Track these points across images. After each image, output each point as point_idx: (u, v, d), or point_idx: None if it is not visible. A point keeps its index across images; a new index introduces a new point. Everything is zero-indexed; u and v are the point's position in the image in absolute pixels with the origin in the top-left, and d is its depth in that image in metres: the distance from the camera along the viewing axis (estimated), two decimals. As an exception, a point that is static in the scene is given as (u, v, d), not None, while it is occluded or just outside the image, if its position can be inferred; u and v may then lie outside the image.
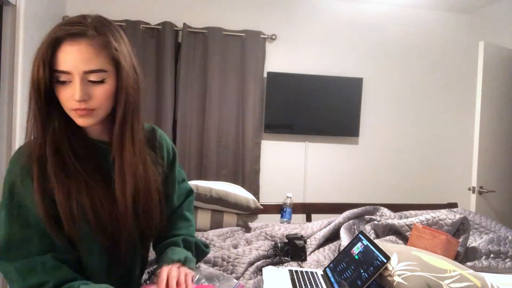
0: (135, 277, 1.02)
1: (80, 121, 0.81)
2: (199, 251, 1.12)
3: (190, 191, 1.20)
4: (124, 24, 2.87)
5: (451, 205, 2.60)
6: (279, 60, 3.18)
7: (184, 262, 0.97)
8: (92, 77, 0.79)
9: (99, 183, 0.85)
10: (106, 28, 0.82)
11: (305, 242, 1.56)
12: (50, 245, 0.82)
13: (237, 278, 1.26)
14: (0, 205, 0.83)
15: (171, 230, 1.09)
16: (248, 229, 1.87)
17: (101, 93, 0.80)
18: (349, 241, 1.42)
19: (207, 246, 1.17)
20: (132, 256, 0.96)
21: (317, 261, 1.50)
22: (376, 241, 1.38)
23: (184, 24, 2.96)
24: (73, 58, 0.76)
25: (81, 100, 0.78)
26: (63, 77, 0.78)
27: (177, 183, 1.12)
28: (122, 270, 0.96)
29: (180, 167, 1.17)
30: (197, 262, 1.11)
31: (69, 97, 0.79)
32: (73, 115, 0.81)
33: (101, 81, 0.80)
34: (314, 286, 1.22)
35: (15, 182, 0.82)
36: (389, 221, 1.75)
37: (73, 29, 0.76)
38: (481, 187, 2.61)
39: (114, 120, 0.86)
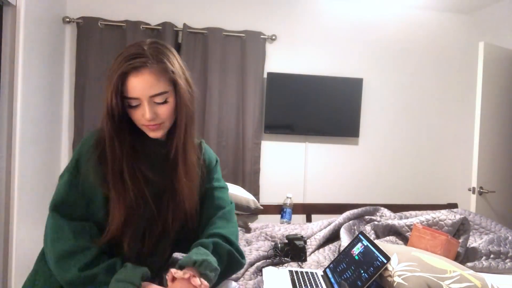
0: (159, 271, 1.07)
1: (152, 134, 0.99)
2: (233, 262, 1.05)
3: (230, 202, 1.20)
4: (124, 24, 2.87)
5: (451, 206, 2.60)
6: (279, 60, 3.18)
7: (199, 265, 0.92)
8: (157, 99, 0.94)
9: (145, 190, 0.99)
10: (161, 53, 0.96)
11: (305, 242, 1.56)
12: (93, 219, 0.97)
13: (237, 279, 1.26)
14: (66, 168, 0.99)
15: (209, 230, 1.07)
16: (248, 230, 1.87)
17: (166, 111, 0.96)
18: (349, 242, 1.42)
19: (243, 256, 1.09)
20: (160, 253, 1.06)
21: (317, 262, 1.50)
22: (376, 241, 1.37)
23: (184, 24, 2.96)
24: (139, 86, 0.91)
25: (151, 119, 0.94)
26: (133, 102, 0.93)
27: (215, 191, 1.15)
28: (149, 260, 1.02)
29: (219, 178, 1.20)
30: (230, 274, 1.06)
31: (140, 116, 0.95)
32: (145, 129, 0.98)
33: (165, 102, 0.95)
34: (314, 286, 1.22)
35: (83, 157, 0.97)
36: (389, 221, 1.75)
37: (136, 62, 0.91)
38: (481, 188, 2.61)
39: (172, 128, 1.02)
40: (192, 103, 1.02)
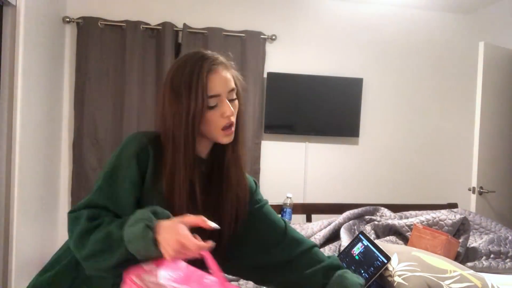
0: None
1: (226, 139, 0.95)
2: None
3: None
4: (124, 24, 2.87)
5: (451, 206, 2.60)
6: (279, 60, 3.18)
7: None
8: (231, 95, 0.95)
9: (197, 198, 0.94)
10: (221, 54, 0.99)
11: (305, 242, 1.55)
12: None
13: (238, 279, 1.26)
14: (103, 173, 0.92)
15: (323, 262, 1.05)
16: (248, 230, 1.87)
17: (236, 108, 0.96)
18: (349, 242, 1.42)
19: None
20: None
21: (317, 262, 1.50)
22: (377, 241, 1.37)
23: (184, 24, 2.96)
24: (220, 81, 0.92)
25: (231, 114, 0.93)
26: (213, 102, 0.91)
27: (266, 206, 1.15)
28: None
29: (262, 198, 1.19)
30: None
31: (218, 117, 0.92)
32: (220, 135, 0.94)
33: (236, 99, 0.96)
34: (315, 286, 1.22)
35: (124, 163, 0.91)
36: (389, 221, 1.75)
37: (217, 61, 0.93)
38: (481, 188, 2.61)
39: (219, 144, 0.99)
40: None
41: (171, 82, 0.93)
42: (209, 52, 0.96)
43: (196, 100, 0.88)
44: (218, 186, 1.00)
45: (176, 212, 0.87)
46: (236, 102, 0.97)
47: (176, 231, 0.77)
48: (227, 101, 0.93)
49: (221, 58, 0.96)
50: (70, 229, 0.88)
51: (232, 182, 1.00)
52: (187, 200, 0.92)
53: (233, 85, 0.95)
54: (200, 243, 0.78)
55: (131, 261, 0.81)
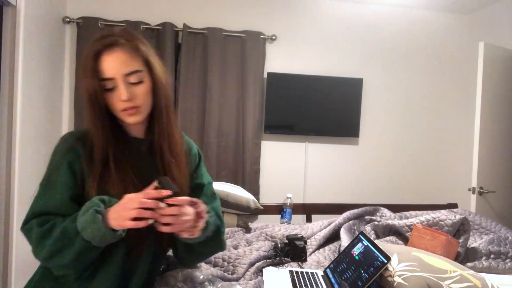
0: (148, 268, 1.06)
1: (130, 120, 0.95)
2: (220, 238, 1.13)
3: (215, 194, 1.20)
4: (124, 24, 2.87)
5: (451, 206, 2.60)
6: (279, 60, 3.18)
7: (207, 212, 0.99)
8: (132, 79, 0.92)
9: (131, 176, 0.96)
10: (131, 35, 0.96)
11: (305, 242, 1.56)
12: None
13: (238, 279, 1.27)
14: (40, 183, 0.96)
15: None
16: (248, 230, 1.87)
17: (142, 91, 0.94)
18: (349, 242, 1.42)
19: (225, 244, 1.17)
20: (150, 252, 1.03)
21: (318, 262, 1.50)
22: (377, 241, 1.37)
23: (184, 24, 2.96)
24: (113, 64, 0.90)
25: (127, 99, 0.91)
26: (109, 84, 0.91)
27: (204, 185, 1.15)
28: (136, 262, 1.00)
29: (205, 170, 1.20)
30: (212, 248, 1.13)
31: (117, 99, 0.92)
32: (123, 115, 0.94)
33: (140, 82, 0.94)
34: (315, 286, 1.22)
35: (54, 168, 0.94)
36: (389, 221, 1.75)
37: (107, 41, 0.91)
38: (481, 188, 2.61)
39: (152, 119, 1.01)
40: (168, 87, 1.02)
41: (81, 60, 0.94)
42: (109, 31, 0.95)
43: (89, 82, 0.89)
44: (156, 162, 1.01)
45: (116, 188, 0.91)
46: (142, 85, 0.94)
47: (121, 204, 0.84)
48: (125, 84, 0.91)
49: (120, 39, 0.93)
50: (29, 241, 0.91)
51: (165, 158, 1.01)
52: (119, 174, 0.93)
53: (132, 68, 0.92)
54: (146, 190, 0.84)
55: (92, 250, 0.87)
